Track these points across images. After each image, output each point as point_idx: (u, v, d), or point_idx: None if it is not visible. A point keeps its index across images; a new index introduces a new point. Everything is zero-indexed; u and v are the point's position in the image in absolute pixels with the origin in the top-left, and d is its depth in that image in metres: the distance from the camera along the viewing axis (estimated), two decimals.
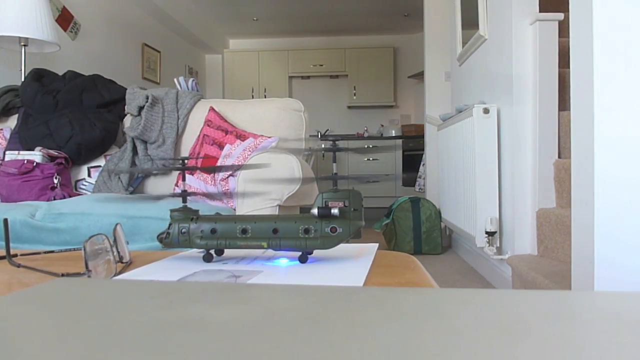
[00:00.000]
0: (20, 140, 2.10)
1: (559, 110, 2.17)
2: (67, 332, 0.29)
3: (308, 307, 0.34)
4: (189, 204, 1.21)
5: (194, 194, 0.71)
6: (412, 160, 6.61)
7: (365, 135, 7.28)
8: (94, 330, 0.29)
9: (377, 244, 0.67)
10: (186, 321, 0.30)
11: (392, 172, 6.90)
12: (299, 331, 0.28)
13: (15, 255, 0.70)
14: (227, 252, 0.67)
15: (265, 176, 1.50)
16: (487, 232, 2.34)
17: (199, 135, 1.98)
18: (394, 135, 7.02)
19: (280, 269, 0.59)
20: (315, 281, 0.53)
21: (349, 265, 0.60)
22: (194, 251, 0.65)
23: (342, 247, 0.69)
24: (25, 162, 1.83)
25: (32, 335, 0.28)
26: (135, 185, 2.09)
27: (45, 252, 0.74)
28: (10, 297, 0.38)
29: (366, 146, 6.94)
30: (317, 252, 0.65)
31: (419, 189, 4.62)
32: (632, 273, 1.08)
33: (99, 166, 2.13)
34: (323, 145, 6.95)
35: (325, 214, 0.60)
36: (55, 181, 1.85)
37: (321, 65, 7.51)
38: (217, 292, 0.40)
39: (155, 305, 0.35)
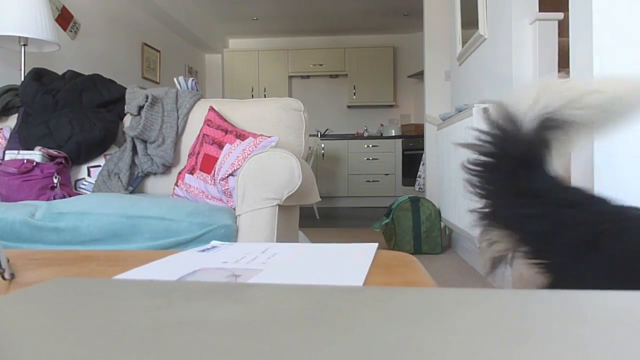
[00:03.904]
0: (20, 139, 2.10)
1: None
2: (65, 331, 0.29)
3: (308, 307, 0.34)
4: (189, 204, 1.20)
5: None
6: (412, 159, 6.61)
7: (365, 134, 7.29)
8: (93, 330, 0.29)
9: (376, 244, 0.67)
10: (186, 321, 0.30)
11: (392, 172, 6.91)
12: (299, 331, 0.28)
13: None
14: (226, 250, 0.67)
15: (265, 175, 1.50)
16: None
17: (198, 135, 1.98)
18: (393, 134, 7.02)
19: (281, 268, 0.59)
20: (315, 281, 0.53)
21: (349, 264, 0.60)
22: (194, 250, 0.65)
23: (342, 246, 0.69)
24: (25, 161, 1.83)
25: (31, 334, 0.28)
26: (135, 185, 2.09)
27: None
28: (10, 296, 0.38)
29: (366, 145, 6.95)
30: (316, 252, 0.65)
31: (419, 188, 4.63)
32: None
33: (99, 166, 2.13)
34: (323, 145, 6.96)
35: None
36: (55, 181, 1.85)
37: (321, 65, 7.52)
38: (217, 291, 0.40)
39: (154, 304, 0.35)
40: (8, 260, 0.57)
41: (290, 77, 7.69)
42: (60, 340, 0.27)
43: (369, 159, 6.94)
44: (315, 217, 5.72)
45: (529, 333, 0.26)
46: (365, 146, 6.96)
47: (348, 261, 0.61)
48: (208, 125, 1.93)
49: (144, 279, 0.54)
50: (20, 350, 0.26)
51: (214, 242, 0.70)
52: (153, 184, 2.17)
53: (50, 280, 0.43)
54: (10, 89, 2.33)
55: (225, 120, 1.97)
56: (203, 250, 0.65)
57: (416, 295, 0.35)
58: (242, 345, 0.25)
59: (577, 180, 1.23)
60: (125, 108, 2.20)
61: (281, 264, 0.60)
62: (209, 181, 1.78)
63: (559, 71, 2.15)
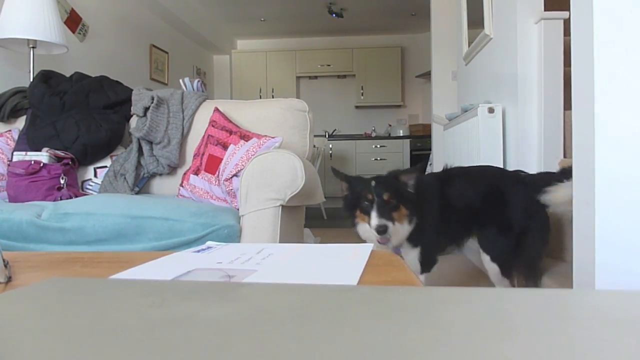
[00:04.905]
0: (27, 141, 2.12)
1: (565, 109, 2.15)
2: (59, 330, 0.29)
3: (299, 305, 0.34)
4: (193, 204, 1.20)
5: None
6: (420, 160, 6.58)
7: (373, 135, 7.27)
8: (86, 328, 0.29)
9: (372, 244, 0.67)
10: (176, 319, 0.31)
11: None
12: (288, 328, 0.28)
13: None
14: (221, 251, 0.68)
15: (269, 176, 1.51)
16: None
17: (203, 136, 1.99)
18: (401, 135, 7.00)
19: (275, 268, 0.60)
20: (309, 281, 0.54)
21: (344, 264, 0.60)
22: (189, 250, 0.65)
23: (337, 247, 0.69)
24: (33, 162, 1.85)
25: (25, 333, 0.29)
26: (140, 186, 2.11)
27: None
28: (5, 295, 0.39)
29: (374, 146, 6.94)
30: (312, 252, 0.66)
31: None
32: (633, 272, 1.08)
33: (105, 166, 2.15)
34: (330, 146, 6.96)
35: None
36: (62, 181, 1.87)
37: (329, 65, 7.51)
38: (209, 290, 0.41)
39: (146, 303, 0.35)
40: (8, 263, 0.58)
41: (298, 77, 7.69)
42: (53, 337, 0.28)
43: (376, 159, 6.93)
44: (323, 217, 5.72)
45: (528, 332, 0.26)
46: (373, 146, 6.95)
47: (343, 261, 0.62)
48: (213, 126, 1.94)
49: (138, 278, 0.55)
50: (15, 348, 0.26)
51: (209, 243, 0.71)
52: (159, 185, 2.19)
53: (45, 279, 0.43)
54: (18, 91, 2.36)
55: (230, 121, 1.98)
56: (198, 251, 0.66)
57: (408, 294, 0.36)
58: (232, 343, 0.26)
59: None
60: (132, 109, 2.21)
61: (276, 264, 0.60)
62: (214, 182, 1.79)
63: (564, 70, 2.14)
